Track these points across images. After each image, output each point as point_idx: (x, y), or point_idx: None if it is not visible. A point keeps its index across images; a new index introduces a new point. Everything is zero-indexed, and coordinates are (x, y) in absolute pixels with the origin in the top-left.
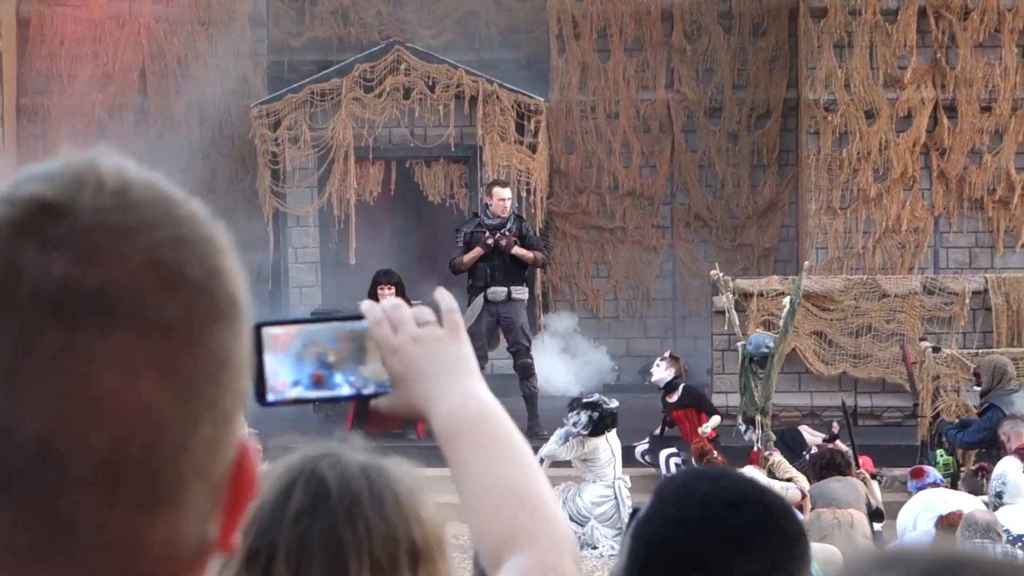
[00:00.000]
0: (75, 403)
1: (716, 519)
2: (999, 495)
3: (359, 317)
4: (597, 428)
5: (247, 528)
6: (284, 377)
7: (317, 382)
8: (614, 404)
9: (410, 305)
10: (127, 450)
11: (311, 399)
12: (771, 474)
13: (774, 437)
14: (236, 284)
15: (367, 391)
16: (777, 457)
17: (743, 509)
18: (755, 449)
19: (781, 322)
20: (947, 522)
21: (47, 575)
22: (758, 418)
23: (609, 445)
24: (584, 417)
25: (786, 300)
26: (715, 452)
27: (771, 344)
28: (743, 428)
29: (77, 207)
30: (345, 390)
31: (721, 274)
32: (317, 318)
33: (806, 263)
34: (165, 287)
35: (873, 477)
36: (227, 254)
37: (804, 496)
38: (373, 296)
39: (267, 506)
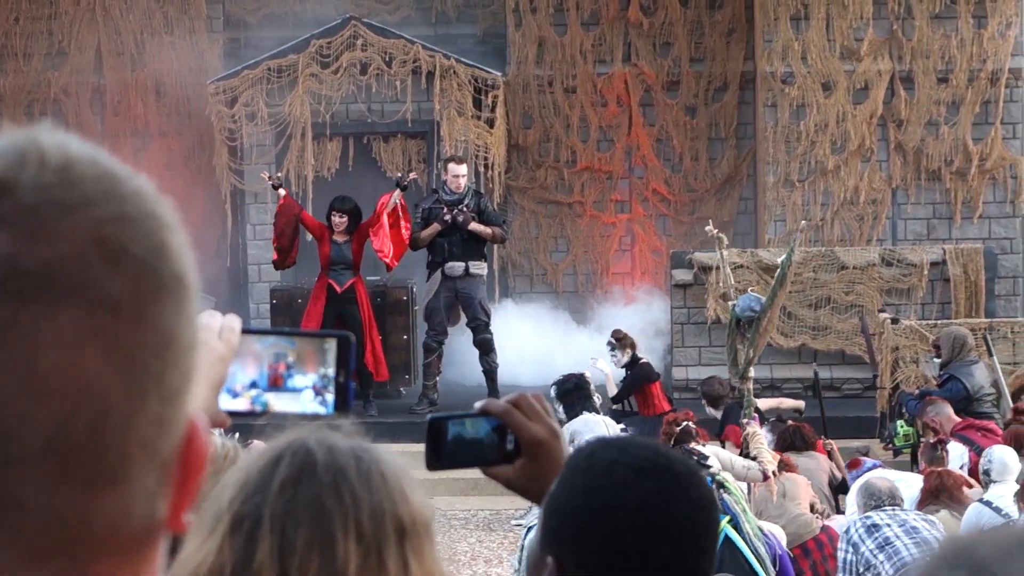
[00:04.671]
0: (19, 380)
1: (623, 486)
2: (987, 473)
3: (325, 335)
4: (573, 401)
5: (233, 497)
6: (242, 378)
7: (274, 381)
8: (582, 373)
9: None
10: (72, 427)
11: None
12: (745, 444)
13: (755, 403)
14: (182, 261)
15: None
16: (754, 429)
17: (649, 476)
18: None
19: (770, 288)
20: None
21: None
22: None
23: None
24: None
25: (779, 260)
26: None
27: (757, 307)
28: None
29: (19, 184)
30: (306, 396)
31: (716, 231)
32: (288, 331)
33: (803, 222)
34: (109, 263)
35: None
36: (173, 231)
37: (767, 478)
38: (328, 221)
39: (253, 476)
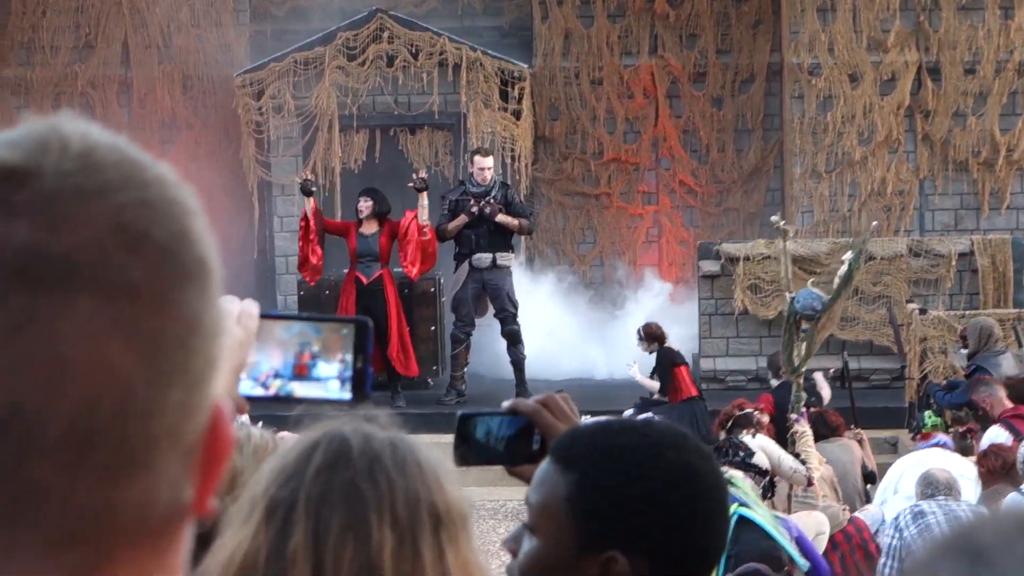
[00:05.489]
0: (42, 369)
1: (694, 473)
2: None
3: (343, 320)
4: None
5: (269, 483)
6: (267, 367)
7: (299, 371)
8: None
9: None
10: (95, 415)
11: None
12: (792, 443)
13: (804, 397)
14: (204, 246)
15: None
16: (803, 428)
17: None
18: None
19: (835, 284)
20: (985, 460)
21: (16, 544)
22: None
23: None
24: None
25: (846, 257)
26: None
27: (818, 306)
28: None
29: (41, 172)
30: (332, 385)
31: (783, 221)
32: (306, 316)
33: (874, 223)
34: (130, 250)
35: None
36: (195, 216)
37: (811, 483)
38: (354, 210)
39: (290, 463)
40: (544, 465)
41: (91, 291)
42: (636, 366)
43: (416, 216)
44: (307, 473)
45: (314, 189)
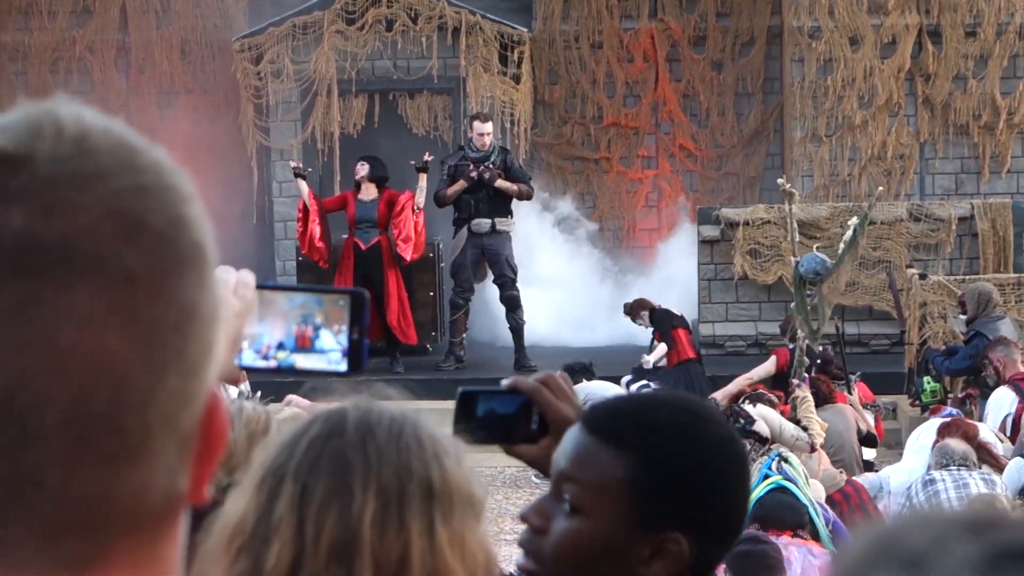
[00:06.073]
0: (38, 357)
1: (734, 451)
2: None
3: (339, 291)
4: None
5: (267, 456)
6: (269, 339)
7: (301, 343)
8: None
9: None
10: (92, 403)
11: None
12: (794, 408)
13: (807, 363)
14: (201, 232)
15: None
16: (804, 393)
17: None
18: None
19: (840, 249)
20: (946, 432)
21: (11, 534)
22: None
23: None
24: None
25: (851, 222)
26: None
27: (822, 270)
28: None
29: (35, 157)
30: (333, 356)
31: (789, 185)
32: (303, 287)
33: (879, 188)
34: (126, 237)
35: (871, 407)
36: (191, 202)
37: (814, 450)
38: (351, 175)
39: (287, 437)
40: (586, 444)
41: (87, 278)
42: (648, 358)
43: (413, 197)
44: (301, 444)
45: (309, 171)
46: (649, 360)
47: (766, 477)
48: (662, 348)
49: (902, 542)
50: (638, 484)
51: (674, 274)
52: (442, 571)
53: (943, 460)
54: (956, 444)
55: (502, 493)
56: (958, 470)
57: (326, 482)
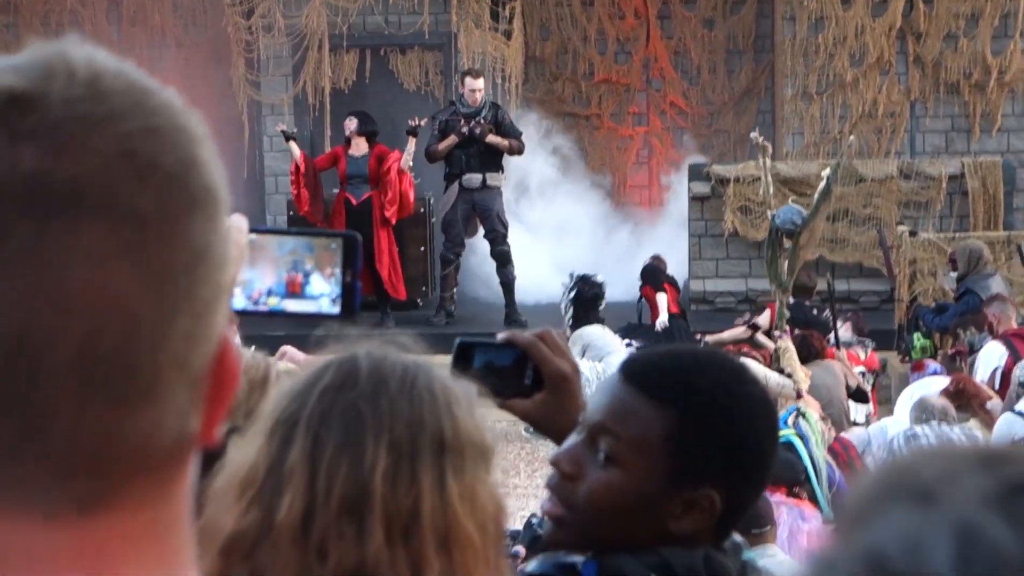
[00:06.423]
0: (48, 297)
1: (766, 409)
2: (1022, 384)
3: (332, 234)
4: (586, 310)
5: (277, 403)
6: (260, 285)
7: (292, 289)
8: (603, 282)
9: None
10: (102, 344)
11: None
12: (777, 359)
13: (787, 315)
14: (212, 174)
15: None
16: (786, 343)
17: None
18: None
19: (814, 199)
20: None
21: (24, 472)
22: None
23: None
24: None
25: (824, 173)
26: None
27: (798, 221)
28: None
29: (47, 98)
30: (323, 302)
31: (761, 138)
32: (295, 231)
33: (851, 137)
34: (137, 178)
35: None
36: (202, 144)
37: (800, 396)
38: (341, 130)
39: (300, 383)
40: (625, 396)
41: (98, 219)
42: (661, 319)
43: (400, 159)
44: (313, 393)
45: (294, 132)
46: (663, 321)
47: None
48: (663, 299)
49: (913, 476)
50: (677, 440)
51: (664, 231)
52: (452, 525)
53: (923, 415)
54: (934, 400)
55: (517, 447)
56: (939, 425)
57: (338, 434)
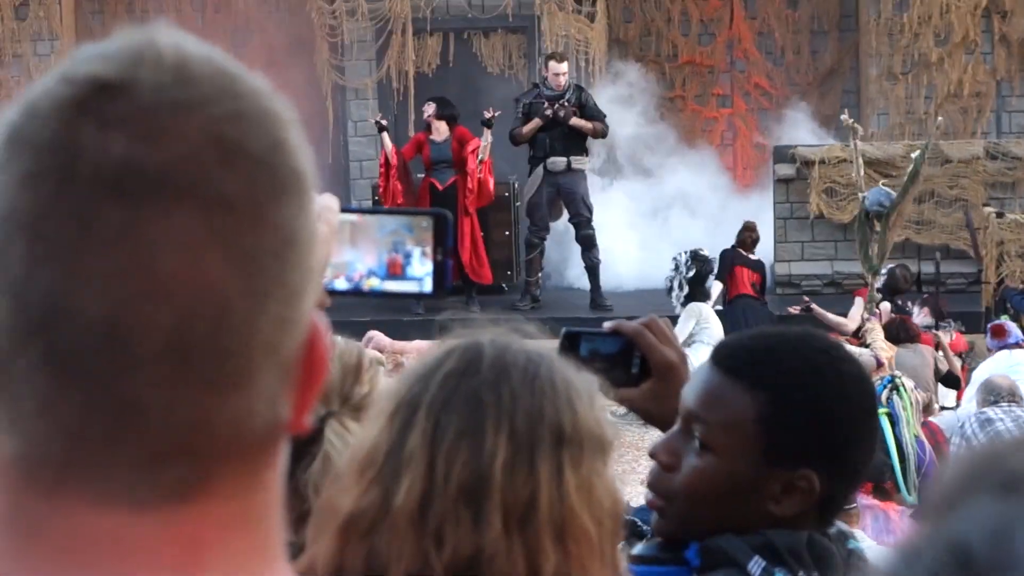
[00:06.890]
0: (139, 283)
1: (865, 388)
2: None
3: (422, 213)
4: (699, 286)
5: (400, 385)
6: (360, 267)
7: (392, 271)
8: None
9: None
10: (193, 329)
11: (380, 294)
12: (863, 337)
13: (879, 298)
14: (300, 158)
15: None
16: (872, 325)
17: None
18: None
19: (903, 181)
20: None
21: (116, 459)
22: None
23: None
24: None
25: (913, 155)
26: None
27: (887, 203)
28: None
29: (136, 85)
30: (421, 283)
31: (852, 120)
32: (388, 209)
33: (939, 118)
34: (225, 163)
35: (965, 354)
36: (290, 128)
37: (880, 365)
38: (419, 113)
39: (423, 367)
40: (717, 382)
41: (188, 204)
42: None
43: (478, 147)
44: (435, 378)
45: (385, 122)
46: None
47: None
48: (717, 286)
49: (1001, 465)
50: (770, 423)
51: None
52: (568, 517)
53: (990, 397)
54: (1001, 380)
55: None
56: (1008, 406)
57: (459, 420)
